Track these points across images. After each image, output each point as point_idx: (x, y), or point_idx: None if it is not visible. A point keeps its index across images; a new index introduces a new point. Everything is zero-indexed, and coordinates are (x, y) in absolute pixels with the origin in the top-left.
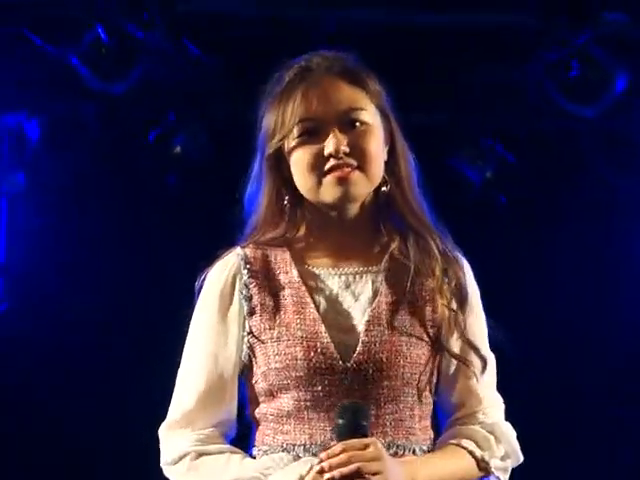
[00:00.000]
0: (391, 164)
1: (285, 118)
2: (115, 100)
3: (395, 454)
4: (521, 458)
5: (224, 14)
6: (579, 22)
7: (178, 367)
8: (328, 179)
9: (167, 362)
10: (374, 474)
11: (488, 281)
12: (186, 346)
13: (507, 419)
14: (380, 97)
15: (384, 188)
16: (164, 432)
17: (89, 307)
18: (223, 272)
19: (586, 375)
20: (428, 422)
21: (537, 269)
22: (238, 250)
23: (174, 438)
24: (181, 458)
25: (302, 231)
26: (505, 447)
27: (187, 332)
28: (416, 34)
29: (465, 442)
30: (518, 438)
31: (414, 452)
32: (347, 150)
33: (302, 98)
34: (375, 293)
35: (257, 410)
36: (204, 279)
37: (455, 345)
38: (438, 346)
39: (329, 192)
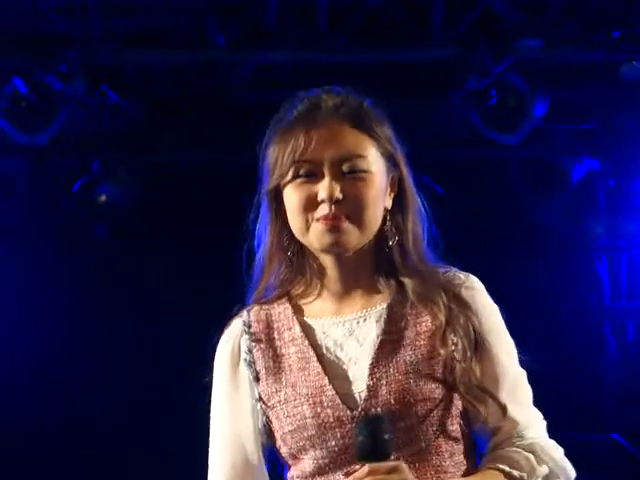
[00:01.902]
0: (397, 213)
1: (284, 156)
2: (39, 152)
3: None
4: (572, 475)
5: (143, 62)
6: (496, 51)
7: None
8: (317, 225)
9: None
10: None
11: None
12: (210, 419)
13: None
14: (388, 142)
15: (391, 242)
16: None
17: (20, 362)
18: (229, 341)
19: None
20: (462, 457)
21: None
22: (244, 314)
23: None
24: None
25: (303, 280)
26: (550, 466)
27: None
28: (340, 71)
29: (502, 465)
30: None
31: None
32: (340, 197)
33: (303, 138)
34: (378, 334)
35: (288, 474)
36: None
37: (470, 391)
38: (453, 387)
39: (318, 239)
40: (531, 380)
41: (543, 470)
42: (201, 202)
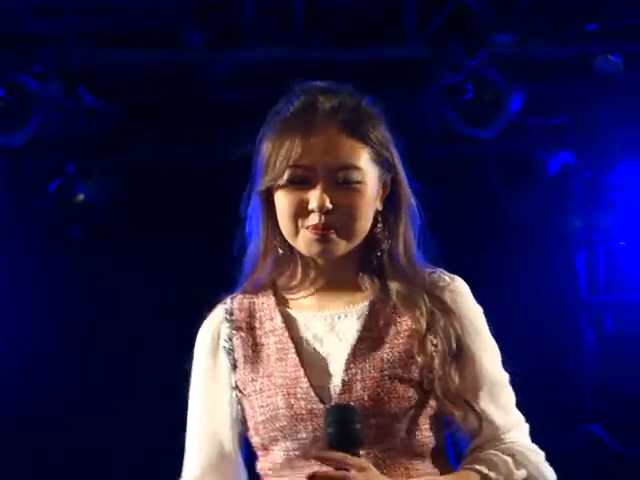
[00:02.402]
0: (389, 215)
1: (278, 159)
2: (14, 153)
3: None
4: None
5: (119, 63)
6: (470, 46)
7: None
8: (306, 233)
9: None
10: None
11: None
12: (188, 408)
13: None
14: (383, 147)
15: (383, 246)
16: None
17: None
18: (210, 328)
19: None
20: (434, 457)
21: None
22: (227, 301)
23: None
24: None
25: (289, 273)
26: (529, 469)
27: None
28: (315, 69)
29: (479, 466)
30: None
31: None
32: (330, 207)
33: (299, 142)
34: (358, 330)
35: (258, 466)
36: None
37: (446, 396)
38: (430, 390)
39: (306, 246)
40: (508, 375)
41: (521, 474)
42: (178, 201)
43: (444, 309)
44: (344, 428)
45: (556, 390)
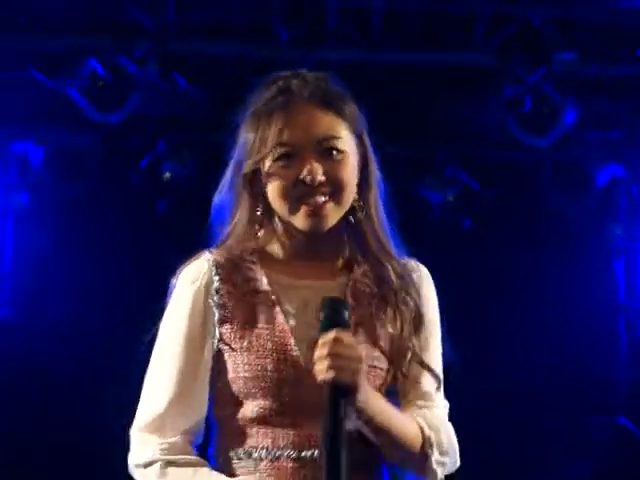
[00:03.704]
0: (362, 187)
1: (263, 142)
2: (110, 130)
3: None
4: (458, 463)
5: (211, 52)
6: (533, 61)
7: None
8: (301, 210)
9: None
10: (352, 370)
11: (448, 300)
12: (157, 349)
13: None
14: (356, 121)
15: (359, 214)
16: (135, 433)
17: (84, 317)
18: (196, 279)
19: (547, 389)
20: None
21: (496, 289)
22: (207, 255)
23: (144, 442)
24: (150, 464)
25: (272, 243)
26: (446, 444)
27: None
28: (386, 72)
29: (419, 418)
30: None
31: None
32: (322, 179)
33: (282, 124)
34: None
35: (220, 413)
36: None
37: (409, 366)
38: (393, 365)
39: (301, 222)
40: (544, 371)
41: (442, 445)
42: None
43: (412, 290)
44: (334, 315)
45: (589, 384)
